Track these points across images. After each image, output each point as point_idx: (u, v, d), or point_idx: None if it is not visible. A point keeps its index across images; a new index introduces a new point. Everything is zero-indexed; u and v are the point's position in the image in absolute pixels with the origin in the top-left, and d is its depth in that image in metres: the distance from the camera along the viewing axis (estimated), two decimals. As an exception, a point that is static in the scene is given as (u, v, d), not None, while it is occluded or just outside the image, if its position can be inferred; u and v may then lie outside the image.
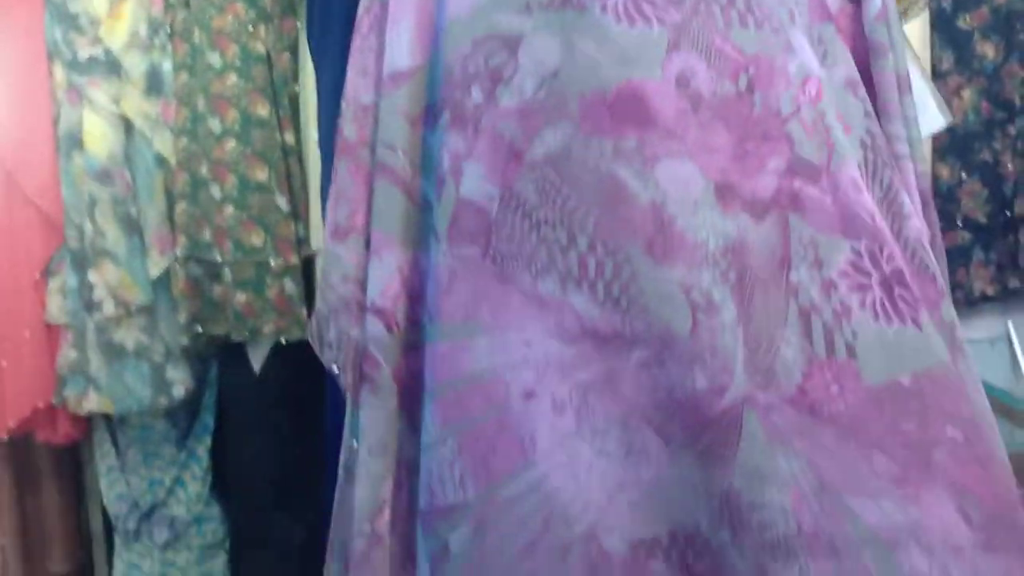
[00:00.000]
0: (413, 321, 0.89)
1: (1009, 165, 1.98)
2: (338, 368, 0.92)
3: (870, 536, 0.76)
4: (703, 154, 0.80)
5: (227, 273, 1.94)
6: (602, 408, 0.80)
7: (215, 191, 1.93)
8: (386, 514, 0.86)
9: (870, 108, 0.89)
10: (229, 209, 1.92)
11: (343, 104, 0.94)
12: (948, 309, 0.85)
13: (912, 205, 0.88)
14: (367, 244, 0.90)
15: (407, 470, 0.88)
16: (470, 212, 0.83)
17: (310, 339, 0.96)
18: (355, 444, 0.90)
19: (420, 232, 0.89)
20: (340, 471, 0.97)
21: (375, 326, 0.88)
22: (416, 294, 0.89)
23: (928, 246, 0.87)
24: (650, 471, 0.80)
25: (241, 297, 1.95)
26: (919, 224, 0.88)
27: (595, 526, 0.78)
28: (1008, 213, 2.00)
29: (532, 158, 0.83)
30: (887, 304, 0.81)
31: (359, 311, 0.90)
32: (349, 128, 0.93)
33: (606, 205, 0.80)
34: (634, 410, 0.79)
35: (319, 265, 1.93)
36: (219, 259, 1.94)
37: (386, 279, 0.88)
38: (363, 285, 0.90)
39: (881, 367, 0.79)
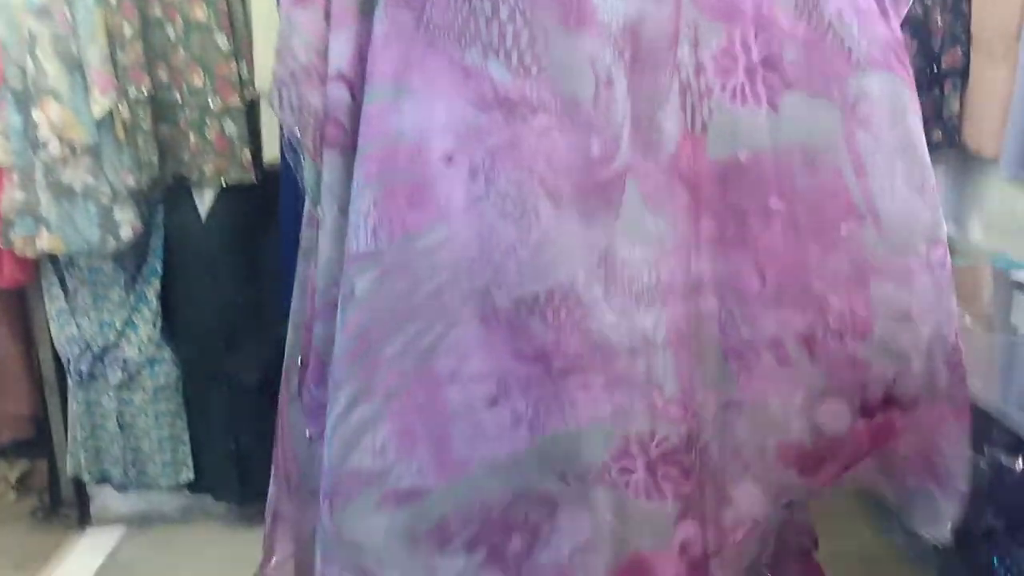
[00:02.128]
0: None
1: (938, 20, 2.04)
2: (299, 132, 0.96)
3: (696, 284, 0.86)
4: None
5: (177, 113, 1.97)
6: (505, 173, 0.86)
7: (169, 31, 1.94)
8: None
9: None
10: (179, 50, 1.94)
11: None
12: (858, 81, 0.91)
13: None
14: (326, 17, 0.94)
15: None
16: None
17: (271, 105, 1.00)
18: (321, 212, 0.94)
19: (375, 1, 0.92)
20: (299, 256, 1.03)
21: (340, 92, 0.93)
22: None
23: (850, 21, 0.91)
24: (539, 231, 0.87)
25: (188, 137, 1.98)
26: (841, 4, 0.91)
27: (490, 283, 0.86)
28: (935, 67, 2.07)
29: None
30: (746, 87, 0.87)
31: (319, 80, 0.94)
32: None
33: None
34: (532, 174, 0.86)
35: (263, 105, 1.95)
36: (179, 99, 1.96)
37: (349, 48, 0.92)
38: (323, 55, 0.94)
39: (725, 144, 0.87)
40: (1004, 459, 1.00)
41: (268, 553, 1.05)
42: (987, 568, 1.04)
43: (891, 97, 0.92)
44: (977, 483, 1.05)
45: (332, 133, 0.93)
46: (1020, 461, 0.97)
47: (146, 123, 1.95)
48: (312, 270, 1.00)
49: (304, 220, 1.05)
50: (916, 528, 0.94)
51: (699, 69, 0.87)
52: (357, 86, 0.92)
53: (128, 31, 1.90)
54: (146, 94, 1.94)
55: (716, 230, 0.87)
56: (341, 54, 0.93)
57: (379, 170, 0.87)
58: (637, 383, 0.87)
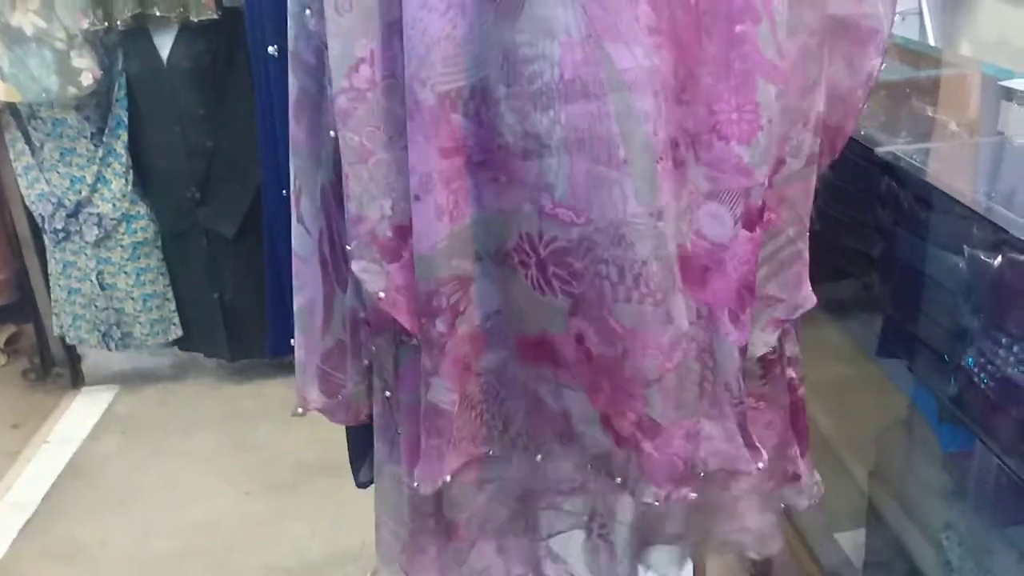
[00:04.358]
0: None
1: None
2: None
3: (617, 80, 0.81)
4: None
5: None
6: None
7: None
8: (363, 72, 0.88)
9: None
10: None
11: None
12: None
13: None
14: None
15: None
16: None
17: None
18: (307, 13, 0.89)
19: None
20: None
21: None
22: None
23: None
24: (463, 26, 0.83)
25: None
26: None
27: (412, 77, 0.83)
28: None
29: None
30: None
31: None
32: None
33: None
34: None
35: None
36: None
37: None
38: None
39: None
40: (983, 256, 0.98)
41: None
42: (963, 370, 1.03)
43: None
44: (954, 283, 1.04)
45: None
46: (999, 257, 0.96)
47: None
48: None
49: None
50: None
51: None
52: None
53: None
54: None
55: (654, 20, 0.81)
56: None
57: None
58: (528, 184, 0.86)
